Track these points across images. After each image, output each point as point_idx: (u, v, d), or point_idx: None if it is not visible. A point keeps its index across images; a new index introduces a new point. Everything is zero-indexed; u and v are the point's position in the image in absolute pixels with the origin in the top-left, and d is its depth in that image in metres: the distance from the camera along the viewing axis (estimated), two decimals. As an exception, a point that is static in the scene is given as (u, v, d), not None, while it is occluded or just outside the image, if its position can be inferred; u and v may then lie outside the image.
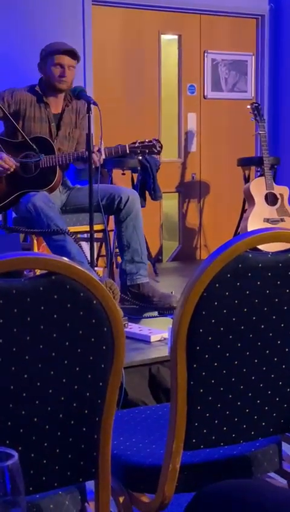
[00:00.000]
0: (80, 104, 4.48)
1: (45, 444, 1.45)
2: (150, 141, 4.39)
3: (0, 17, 5.39)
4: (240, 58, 6.71)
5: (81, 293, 1.42)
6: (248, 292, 1.56)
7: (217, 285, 1.54)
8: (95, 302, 1.43)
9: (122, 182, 5.32)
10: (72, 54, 4.36)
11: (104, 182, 5.02)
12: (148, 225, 4.56)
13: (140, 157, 4.68)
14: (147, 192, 5.42)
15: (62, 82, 4.34)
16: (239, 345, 1.59)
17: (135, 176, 5.52)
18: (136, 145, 4.35)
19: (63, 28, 5.61)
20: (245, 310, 1.57)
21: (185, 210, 6.67)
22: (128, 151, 4.36)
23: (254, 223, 5.54)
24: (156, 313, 4.04)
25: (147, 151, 4.38)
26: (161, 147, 4.42)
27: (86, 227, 4.24)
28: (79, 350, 1.44)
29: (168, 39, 6.52)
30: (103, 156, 4.23)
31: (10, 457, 0.80)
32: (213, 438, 1.63)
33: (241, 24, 6.70)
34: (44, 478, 1.47)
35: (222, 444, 1.65)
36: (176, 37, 6.49)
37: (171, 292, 4.28)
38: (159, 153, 4.47)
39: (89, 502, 1.63)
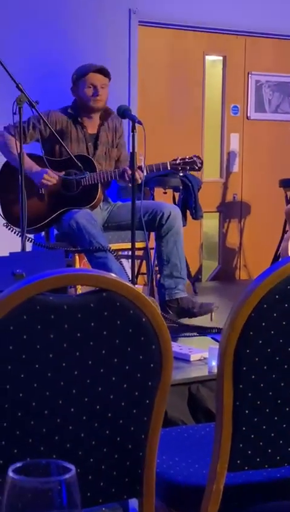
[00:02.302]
0: (117, 123, 4.52)
1: (91, 460, 1.46)
2: (191, 158, 4.40)
3: (45, 38, 5.46)
4: (284, 80, 6.71)
5: (130, 310, 1.43)
6: (296, 314, 1.56)
7: (265, 306, 1.54)
8: (144, 319, 1.44)
9: (164, 200, 5.33)
10: (104, 72, 4.39)
11: (146, 200, 5.04)
12: (188, 244, 4.57)
13: (181, 174, 4.70)
14: (188, 211, 5.44)
15: (96, 101, 4.36)
16: (286, 366, 1.59)
17: (177, 194, 5.54)
18: (177, 161, 4.37)
19: (110, 48, 5.67)
20: (293, 331, 1.57)
21: (226, 230, 6.67)
22: (169, 168, 4.38)
23: (295, 244, 5.50)
24: (195, 332, 4.03)
25: (188, 167, 4.40)
26: (202, 163, 4.43)
27: (127, 245, 4.26)
28: (127, 367, 1.45)
29: (213, 60, 6.55)
30: (144, 173, 4.25)
31: (67, 470, 0.81)
32: (257, 459, 1.62)
33: (285, 46, 6.70)
34: (88, 494, 1.48)
35: (266, 466, 1.64)
36: (220, 58, 6.52)
37: (212, 305, 4.28)
38: (199, 169, 4.49)
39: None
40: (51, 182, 4.22)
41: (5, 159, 4.37)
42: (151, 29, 6.03)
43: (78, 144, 4.40)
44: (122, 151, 4.51)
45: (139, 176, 4.19)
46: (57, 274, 1.39)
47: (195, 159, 4.41)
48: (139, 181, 4.18)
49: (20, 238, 3.79)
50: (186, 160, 4.39)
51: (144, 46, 5.97)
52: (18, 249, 3.80)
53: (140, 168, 4.19)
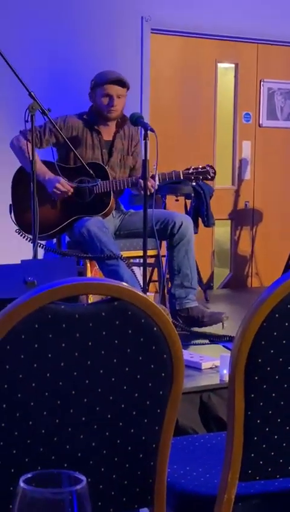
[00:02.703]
0: (133, 131, 4.52)
1: (102, 469, 1.46)
2: (204, 167, 4.41)
3: (58, 46, 5.48)
4: (296, 88, 6.71)
5: (142, 319, 1.43)
6: (308, 323, 1.56)
7: (277, 315, 1.54)
8: (155, 328, 1.44)
9: (176, 208, 5.34)
10: (121, 83, 4.40)
11: (158, 208, 5.04)
12: (200, 251, 4.57)
13: (193, 183, 4.70)
14: (199, 219, 5.44)
15: (111, 111, 4.37)
16: (298, 376, 1.58)
17: (189, 202, 5.54)
18: (190, 171, 4.37)
19: (122, 55, 5.69)
20: (305, 341, 1.56)
21: (237, 237, 6.66)
22: (182, 177, 4.39)
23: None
24: (207, 340, 4.03)
25: (201, 177, 4.40)
26: (215, 173, 4.44)
27: (139, 253, 4.27)
28: (138, 376, 1.45)
29: (225, 67, 6.56)
30: (157, 182, 4.25)
31: (79, 481, 0.81)
32: (269, 469, 1.61)
33: (298, 53, 6.70)
34: (99, 503, 1.47)
35: (277, 476, 1.64)
36: (232, 65, 6.53)
37: (223, 314, 4.28)
38: (212, 179, 4.49)
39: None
40: (63, 192, 4.23)
41: (19, 165, 4.37)
42: (164, 36, 6.04)
43: (93, 151, 4.41)
44: (138, 160, 4.52)
45: (152, 185, 4.19)
46: (68, 283, 1.39)
47: (208, 168, 4.41)
48: (152, 190, 4.18)
49: (32, 245, 3.80)
50: (199, 169, 4.39)
51: (156, 53, 5.98)
52: (30, 255, 3.81)
53: (153, 177, 4.20)
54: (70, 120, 4.41)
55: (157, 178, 4.24)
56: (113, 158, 4.47)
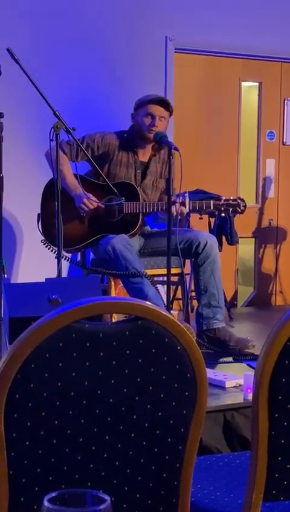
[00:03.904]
0: (166, 154, 4.54)
1: (126, 488, 1.46)
2: (235, 200, 4.42)
3: (82, 63, 5.53)
4: None
5: (166, 339, 1.43)
6: None
7: (301, 335, 1.53)
8: (179, 348, 1.44)
9: (200, 226, 5.34)
10: (165, 104, 4.42)
11: (182, 226, 5.05)
12: (224, 269, 4.56)
13: (223, 215, 4.68)
14: (223, 237, 5.43)
15: (151, 132, 4.35)
16: None
17: (212, 220, 5.53)
18: (221, 202, 4.38)
19: (145, 74, 5.72)
20: None
21: (261, 255, 6.64)
22: (212, 208, 4.39)
23: None
24: (231, 359, 4.02)
25: (231, 209, 4.41)
26: (245, 207, 4.44)
27: (163, 271, 4.27)
28: (162, 395, 1.45)
29: (249, 86, 6.57)
30: (187, 210, 4.27)
31: (103, 501, 0.82)
32: (293, 490, 1.60)
33: None
34: (123, 522, 1.47)
35: (302, 496, 1.63)
36: (256, 84, 6.54)
37: (247, 337, 4.26)
38: (242, 212, 4.48)
39: None
40: (89, 209, 4.25)
41: (49, 177, 4.39)
42: (188, 56, 6.07)
43: (127, 170, 4.43)
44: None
45: (182, 211, 4.21)
46: (93, 302, 1.40)
47: (239, 201, 4.42)
48: (179, 216, 4.19)
49: (57, 262, 3.81)
50: (231, 202, 4.40)
51: (180, 72, 6.01)
52: (54, 272, 3.83)
53: (183, 203, 4.22)
54: (108, 137, 4.45)
55: (188, 206, 4.25)
56: (147, 180, 4.49)
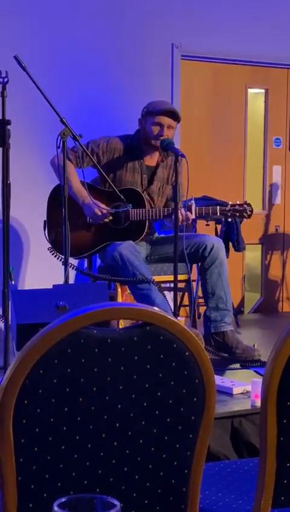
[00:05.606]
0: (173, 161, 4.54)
1: (134, 495, 1.46)
2: (241, 205, 4.41)
3: (89, 70, 5.54)
4: None
5: (174, 344, 1.43)
6: None
7: (309, 340, 1.53)
8: (187, 353, 1.44)
9: (206, 232, 5.34)
10: (173, 115, 4.42)
11: (188, 232, 5.05)
12: (230, 276, 4.55)
13: (229, 220, 4.67)
14: (230, 244, 5.43)
15: (159, 141, 4.37)
16: None
17: (219, 226, 5.53)
18: (228, 208, 4.38)
19: (152, 81, 5.73)
20: None
21: (268, 262, 6.63)
22: (218, 213, 4.39)
23: None
24: (238, 365, 4.01)
25: (237, 214, 4.40)
26: (251, 211, 4.42)
27: (170, 277, 4.27)
28: (170, 401, 1.45)
29: (255, 92, 6.57)
30: (193, 216, 4.26)
31: (112, 506, 0.82)
32: (302, 496, 1.60)
33: None
34: (131, 529, 1.47)
35: (310, 503, 1.62)
36: (262, 90, 6.54)
37: (254, 345, 4.25)
38: (249, 217, 4.46)
39: None
40: (102, 219, 4.24)
41: (56, 183, 4.39)
42: (194, 63, 6.08)
43: (133, 175, 4.43)
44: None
45: (189, 217, 4.20)
46: (101, 308, 1.40)
47: (246, 206, 4.41)
48: (185, 222, 4.19)
49: (63, 269, 3.81)
50: (237, 207, 4.39)
51: (186, 79, 6.02)
52: (61, 278, 3.83)
53: (190, 210, 4.21)
54: (114, 141, 4.44)
55: (194, 211, 4.25)
56: (153, 186, 4.49)
